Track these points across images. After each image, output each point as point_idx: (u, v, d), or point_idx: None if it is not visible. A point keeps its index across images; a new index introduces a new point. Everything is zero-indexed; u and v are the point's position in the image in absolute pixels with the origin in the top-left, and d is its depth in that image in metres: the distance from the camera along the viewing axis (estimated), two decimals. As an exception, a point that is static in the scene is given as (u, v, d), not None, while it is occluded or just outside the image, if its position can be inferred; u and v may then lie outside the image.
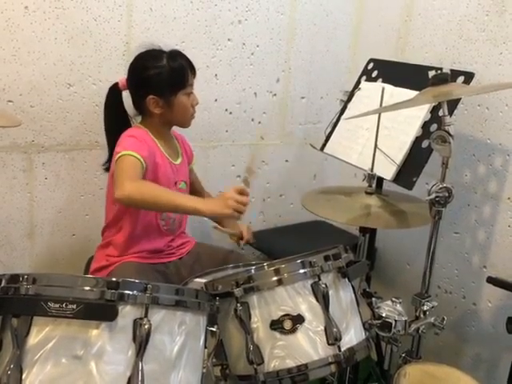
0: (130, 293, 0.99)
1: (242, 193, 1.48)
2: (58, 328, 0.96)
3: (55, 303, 0.94)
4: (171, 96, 1.64)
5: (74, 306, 0.94)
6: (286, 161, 2.41)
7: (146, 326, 0.98)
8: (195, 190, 1.94)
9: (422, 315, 1.47)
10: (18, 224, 1.92)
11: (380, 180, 1.81)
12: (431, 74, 1.39)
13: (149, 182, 1.59)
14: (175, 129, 1.81)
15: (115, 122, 1.74)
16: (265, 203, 2.41)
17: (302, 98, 2.37)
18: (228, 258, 1.80)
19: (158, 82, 1.62)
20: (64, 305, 0.94)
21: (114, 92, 1.73)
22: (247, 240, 1.87)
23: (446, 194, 1.41)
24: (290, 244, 2.23)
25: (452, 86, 1.38)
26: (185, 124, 1.75)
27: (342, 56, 2.40)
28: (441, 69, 1.40)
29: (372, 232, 1.98)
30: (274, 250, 2.17)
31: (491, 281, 1.60)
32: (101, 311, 0.96)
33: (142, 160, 1.55)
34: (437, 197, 1.40)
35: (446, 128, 1.38)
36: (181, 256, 1.81)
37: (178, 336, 1.04)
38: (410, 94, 1.66)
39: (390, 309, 1.41)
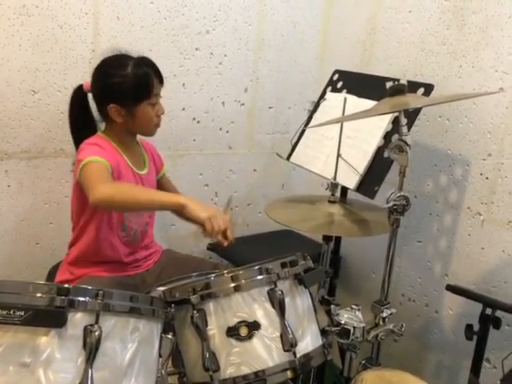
0: (81, 299, 0.98)
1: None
2: (6, 335, 0.94)
3: (3, 310, 0.92)
4: (134, 106, 1.60)
5: (22, 313, 0.92)
6: (254, 170, 2.43)
7: (97, 333, 0.97)
8: None
9: (381, 322, 1.48)
10: (-20, 232, 1.89)
11: (344, 189, 1.83)
12: (388, 84, 1.42)
13: (121, 181, 1.57)
14: (143, 137, 1.78)
15: (81, 123, 1.70)
16: (232, 212, 2.41)
17: (270, 107, 2.40)
18: (196, 265, 1.77)
19: (121, 91, 1.57)
20: (12, 311, 0.92)
21: (79, 93, 1.69)
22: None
23: (404, 203, 1.44)
24: (257, 253, 2.22)
25: (408, 97, 1.41)
26: (148, 133, 1.72)
27: (309, 67, 2.43)
28: (398, 80, 1.44)
29: (337, 240, 2.00)
30: (241, 260, 2.15)
31: (450, 288, 1.63)
32: (49, 318, 0.94)
33: (107, 164, 1.52)
34: (394, 205, 1.43)
35: (403, 138, 1.41)
36: (147, 268, 1.79)
37: (131, 343, 1.03)
38: (371, 104, 1.70)
39: (349, 316, 1.42)
